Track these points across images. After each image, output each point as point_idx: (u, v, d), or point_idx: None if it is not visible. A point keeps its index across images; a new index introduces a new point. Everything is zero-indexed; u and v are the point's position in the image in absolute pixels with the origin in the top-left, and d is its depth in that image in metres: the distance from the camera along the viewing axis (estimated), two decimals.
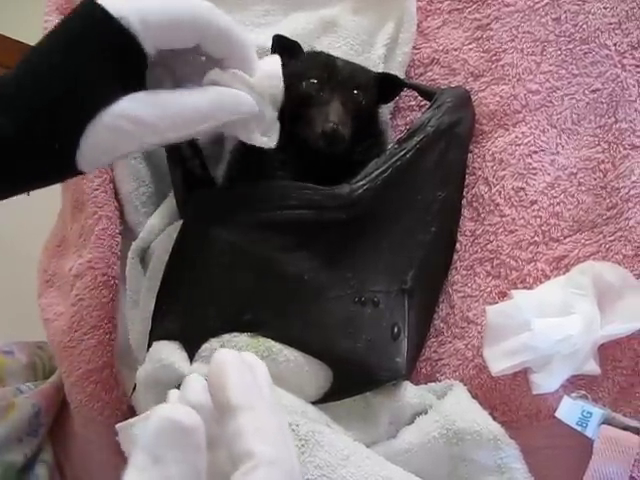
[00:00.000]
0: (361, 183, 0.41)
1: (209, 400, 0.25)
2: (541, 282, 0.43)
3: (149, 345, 0.43)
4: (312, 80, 0.43)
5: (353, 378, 0.40)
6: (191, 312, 0.42)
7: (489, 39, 0.49)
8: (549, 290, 0.41)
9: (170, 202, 0.51)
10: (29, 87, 0.32)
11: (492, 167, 0.47)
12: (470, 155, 0.48)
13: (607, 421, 0.38)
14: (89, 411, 0.53)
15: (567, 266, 0.43)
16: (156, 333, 0.44)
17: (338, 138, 0.41)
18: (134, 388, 0.46)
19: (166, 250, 0.45)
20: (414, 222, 0.44)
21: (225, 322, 0.40)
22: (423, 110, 0.49)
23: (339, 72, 0.44)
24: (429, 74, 0.50)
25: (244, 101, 0.36)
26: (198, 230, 0.43)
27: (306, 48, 0.48)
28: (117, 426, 0.42)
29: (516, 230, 0.45)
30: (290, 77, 0.39)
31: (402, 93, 0.50)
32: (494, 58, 0.48)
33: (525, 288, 0.43)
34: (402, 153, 0.43)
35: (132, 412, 0.51)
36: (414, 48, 0.51)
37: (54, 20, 0.63)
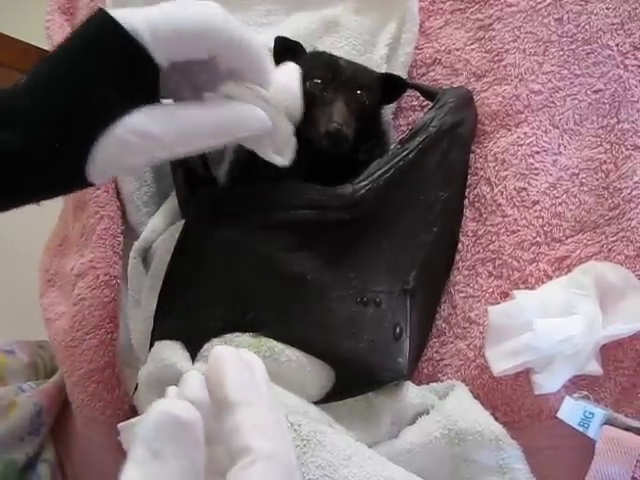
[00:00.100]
0: (364, 183, 0.41)
1: (207, 396, 0.25)
2: (543, 282, 0.43)
3: (151, 345, 0.44)
4: (316, 80, 0.43)
5: (355, 378, 0.40)
6: (193, 312, 0.42)
7: (491, 39, 0.49)
8: (551, 290, 0.41)
9: (172, 202, 0.51)
10: (39, 100, 0.32)
11: (494, 167, 0.47)
12: (472, 155, 0.48)
13: (609, 422, 0.38)
14: (91, 411, 0.53)
15: (569, 266, 0.43)
16: (158, 333, 0.44)
17: (342, 138, 0.41)
18: (136, 388, 0.46)
19: (168, 250, 0.45)
20: (416, 222, 0.44)
21: (227, 322, 0.40)
22: (425, 110, 0.49)
23: (343, 72, 0.44)
24: (431, 74, 0.51)
25: (257, 118, 0.35)
26: (200, 230, 0.43)
27: (308, 48, 0.48)
28: (119, 425, 0.42)
29: (518, 230, 0.45)
30: None
31: (404, 93, 0.50)
32: (496, 58, 0.48)
33: (527, 288, 0.43)
34: (404, 153, 0.43)
35: (134, 412, 0.51)
36: (416, 48, 0.51)
37: (56, 19, 0.63)
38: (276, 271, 0.41)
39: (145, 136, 0.32)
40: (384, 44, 0.51)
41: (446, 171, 0.45)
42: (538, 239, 0.44)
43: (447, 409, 0.40)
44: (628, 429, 0.38)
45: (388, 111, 0.50)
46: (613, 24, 0.46)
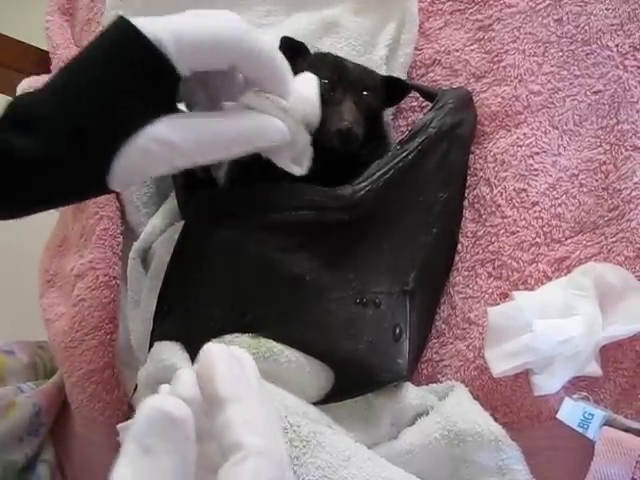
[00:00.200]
0: (363, 184, 0.41)
1: (199, 393, 0.25)
2: (542, 283, 0.43)
3: (150, 345, 0.43)
4: (323, 80, 0.43)
5: (354, 379, 0.40)
6: (193, 313, 0.42)
7: (491, 40, 0.49)
8: (550, 291, 0.41)
9: (171, 202, 0.51)
10: (61, 109, 0.32)
11: (494, 168, 0.47)
12: (472, 156, 0.48)
13: (609, 423, 0.38)
14: (90, 411, 0.53)
15: (568, 267, 0.43)
16: (157, 333, 0.44)
17: (352, 137, 0.41)
18: (135, 388, 0.46)
19: (167, 251, 0.45)
20: (416, 223, 0.44)
21: (227, 323, 0.40)
22: (425, 111, 0.49)
23: (349, 73, 0.44)
24: (431, 75, 0.50)
25: (277, 129, 0.36)
26: (199, 231, 0.43)
27: (310, 49, 0.48)
28: (118, 426, 0.42)
29: (517, 231, 0.45)
30: None
31: (406, 96, 0.50)
32: (496, 59, 0.48)
33: (526, 289, 0.43)
34: (404, 154, 0.43)
35: (133, 413, 0.51)
36: (416, 49, 0.51)
37: (55, 20, 0.63)
38: (275, 272, 0.41)
39: (167, 145, 0.33)
40: (384, 45, 0.50)
41: (446, 172, 0.45)
42: (538, 240, 0.44)
43: (447, 410, 0.40)
44: (628, 430, 0.38)
45: (388, 112, 0.50)
46: (612, 25, 0.46)
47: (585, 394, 0.40)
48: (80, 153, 0.32)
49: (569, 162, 0.45)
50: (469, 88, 0.49)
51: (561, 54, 0.47)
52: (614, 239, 0.42)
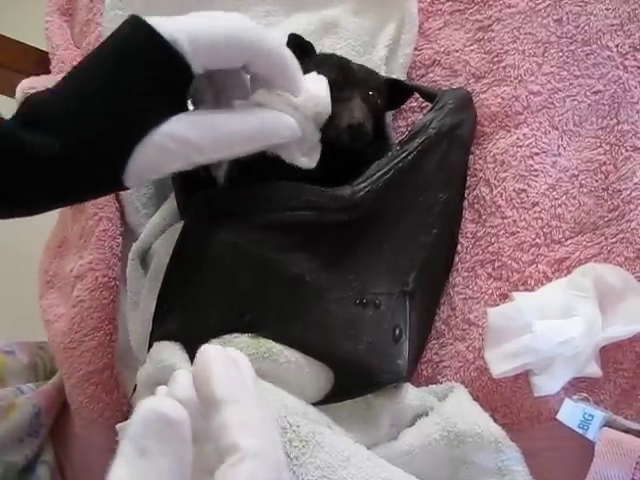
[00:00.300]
0: (363, 185, 0.41)
1: (196, 395, 0.25)
2: (542, 284, 0.43)
3: (150, 346, 0.43)
4: (331, 79, 0.43)
5: (354, 380, 0.40)
6: (192, 313, 0.42)
7: (490, 40, 0.49)
8: (550, 292, 0.41)
9: (171, 203, 0.51)
10: (76, 107, 0.32)
11: (493, 169, 0.47)
12: (471, 157, 0.48)
13: (609, 424, 0.38)
14: (89, 413, 0.53)
15: (568, 268, 0.43)
16: (157, 334, 0.44)
17: (363, 133, 0.42)
18: (134, 389, 0.46)
19: (167, 252, 0.45)
20: (415, 224, 0.43)
21: (226, 323, 0.40)
22: (424, 112, 0.49)
23: (355, 74, 0.45)
24: (430, 75, 0.50)
25: (289, 125, 0.37)
26: (199, 231, 0.43)
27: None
28: (117, 426, 0.42)
29: (517, 232, 0.45)
30: None
31: (408, 100, 0.50)
32: (495, 59, 0.48)
33: (526, 290, 0.43)
34: (404, 155, 0.43)
35: (133, 413, 0.51)
36: (415, 49, 0.51)
37: (55, 20, 0.63)
38: (275, 272, 0.40)
39: (183, 142, 0.33)
40: (383, 45, 0.50)
41: (445, 172, 0.45)
42: (537, 240, 0.44)
43: (446, 411, 0.40)
44: (628, 431, 0.38)
45: (388, 113, 0.50)
46: (612, 25, 0.46)
47: (585, 395, 0.40)
48: (96, 151, 0.32)
49: (569, 163, 0.45)
50: (469, 88, 0.48)
51: (561, 54, 0.47)
52: (614, 240, 0.42)
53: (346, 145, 0.42)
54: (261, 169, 0.43)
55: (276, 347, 0.39)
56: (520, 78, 0.47)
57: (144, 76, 0.33)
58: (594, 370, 0.39)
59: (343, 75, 0.44)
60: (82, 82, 0.33)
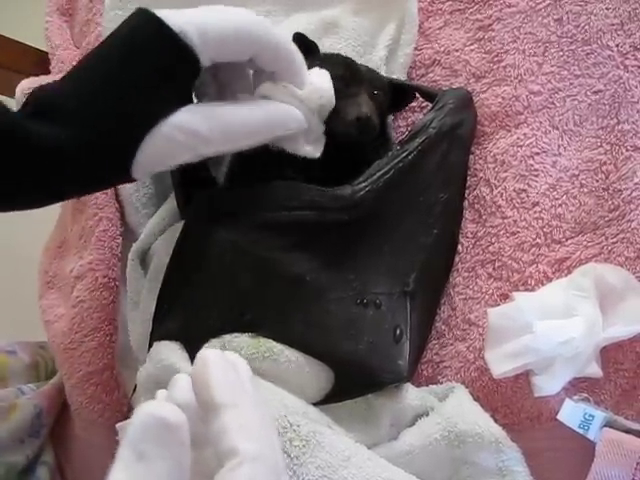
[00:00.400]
0: (363, 185, 0.41)
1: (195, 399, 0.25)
2: (543, 284, 0.43)
3: (150, 346, 0.43)
4: (338, 76, 0.43)
5: (354, 380, 0.40)
6: (192, 312, 0.42)
7: (491, 40, 0.49)
8: (551, 292, 0.41)
9: (171, 203, 0.51)
10: (88, 99, 0.32)
11: (494, 169, 0.47)
12: (472, 157, 0.48)
13: (609, 424, 0.38)
14: (89, 413, 0.53)
15: (569, 268, 0.42)
16: (157, 334, 0.44)
17: (371, 126, 0.42)
18: (134, 389, 0.46)
19: (167, 252, 0.45)
20: (416, 224, 0.43)
21: (226, 322, 0.40)
22: (425, 111, 0.49)
23: (361, 72, 0.45)
24: (430, 75, 0.50)
25: (295, 117, 0.37)
26: (199, 230, 0.43)
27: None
28: (117, 425, 0.42)
29: (518, 232, 0.45)
30: None
31: (410, 103, 0.50)
32: (496, 59, 0.48)
33: (527, 290, 0.43)
34: (404, 154, 0.43)
35: (133, 414, 0.51)
36: (415, 49, 0.51)
37: (54, 21, 0.63)
38: (275, 271, 0.40)
39: (192, 134, 0.33)
40: (383, 45, 0.50)
41: (446, 172, 0.45)
42: (538, 240, 0.44)
43: (447, 411, 0.40)
44: (628, 432, 0.38)
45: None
46: (613, 24, 0.46)
47: (585, 395, 0.40)
48: (104, 142, 0.32)
49: (569, 162, 0.45)
50: (469, 88, 0.48)
51: (561, 54, 0.47)
52: (614, 240, 0.42)
53: (353, 138, 0.42)
54: (262, 169, 0.43)
55: (276, 347, 0.39)
56: (520, 78, 0.47)
57: (153, 68, 0.33)
58: (595, 370, 0.39)
59: (350, 72, 0.44)
60: (90, 73, 0.33)
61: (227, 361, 0.26)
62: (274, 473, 0.23)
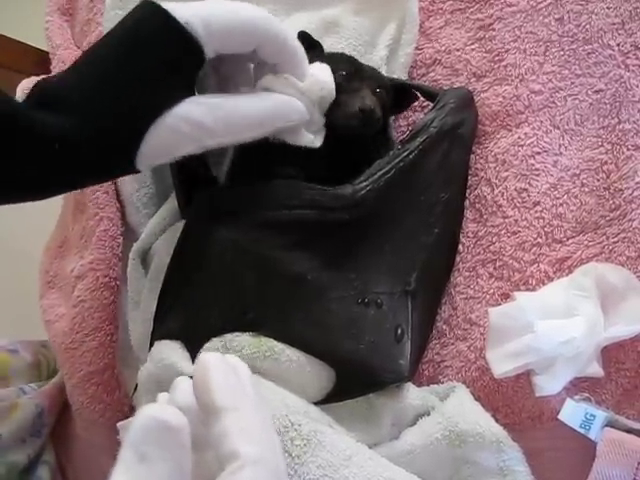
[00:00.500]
0: (364, 184, 0.41)
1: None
2: (544, 284, 0.43)
3: (151, 345, 0.43)
4: (341, 72, 0.43)
5: (356, 379, 0.40)
6: (193, 312, 0.42)
7: (492, 39, 0.49)
8: (552, 292, 0.41)
9: (171, 203, 0.51)
10: (93, 90, 0.32)
11: (495, 168, 0.46)
12: (473, 156, 0.48)
13: (610, 424, 0.38)
14: (91, 413, 0.53)
15: (570, 268, 0.42)
16: (158, 333, 0.44)
17: (374, 119, 0.42)
18: (135, 388, 0.46)
19: (167, 251, 0.45)
20: (417, 224, 0.43)
21: (227, 321, 0.40)
22: (426, 111, 0.49)
23: (364, 70, 0.45)
24: (431, 75, 0.50)
25: (297, 108, 0.38)
26: (200, 230, 0.43)
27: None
28: (118, 425, 0.42)
29: (519, 231, 0.44)
30: None
31: (412, 104, 0.50)
32: (497, 58, 0.48)
33: (528, 290, 0.43)
34: (405, 154, 0.43)
35: (134, 413, 0.51)
36: (416, 49, 0.51)
37: (55, 20, 0.63)
38: (276, 270, 0.40)
39: (197, 125, 0.34)
40: (384, 45, 0.50)
41: (447, 172, 0.45)
42: (539, 240, 0.44)
43: (448, 410, 0.40)
44: (630, 431, 0.38)
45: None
46: (614, 24, 0.46)
47: (587, 395, 0.40)
48: (108, 133, 0.32)
49: (570, 162, 0.45)
50: (470, 88, 0.48)
51: (562, 53, 0.47)
52: (616, 239, 0.42)
53: (355, 130, 0.42)
54: (263, 168, 0.43)
55: (278, 346, 0.39)
56: (521, 77, 0.47)
57: (158, 59, 0.33)
58: (596, 370, 0.39)
59: (353, 69, 0.44)
60: (95, 65, 0.33)
61: (228, 364, 0.26)
62: (275, 476, 0.23)
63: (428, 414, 0.41)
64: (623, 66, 0.45)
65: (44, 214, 0.65)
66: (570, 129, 0.45)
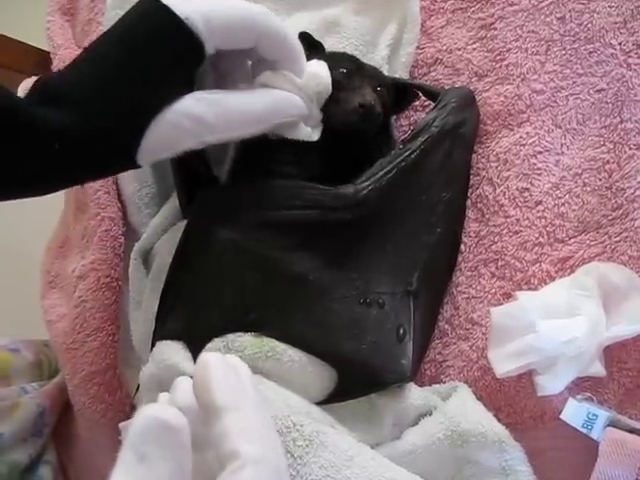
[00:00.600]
0: (366, 184, 0.41)
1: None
2: (546, 283, 0.43)
3: (153, 345, 0.43)
4: (342, 70, 0.43)
5: (358, 380, 0.40)
6: (195, 312, 0.42)
7: (493, 39, 0.49)
8: (554, 291, 0.41)
9: (173, 203, 0.51)
10: (94, 86, 0.32)
11: (496, 167, 0.46)
12: (474, 156, 0.48)
13: (613, 423, 0.38)
14: (92, 413, 0.53)
15: (572, 267, 0.42)
16: (160, 333, 0.44)
17: (374, 114, 0.42)
18: (137, 389, 0.46)
19: (169, 251, 0.45)
20: (419, 223, 0.43)
21: (229, 322, 0.40)
22: (427, 110, 0.49)
23: (365, 69, 0.45)
24: (433, 74, 0.50)
25: (296, 104, 0.38)
26: (201, 230, 0.43)
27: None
28: (120, 425, 0.42)
29: (521, 231, 0.44)
30: None
31: (413, 103, 0.50)
32: (498, 58, 0.48)
33: (530, 289, 0.43)
34: (407, 153, 0.42)
35: (135, 413, 0.51)
36: (418, 48, 0.50)
37: (56, 20, 0.63)
38: (277, 270, 0.40)
39: (197, 120, 0.34)
40: (385, 44, 0.50)
41: (448, 171, 0.45)
42: (541, 240, 0.44)
43: (450, 410, 0.40)
44: (632, 431, 0.38)
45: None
46: (616, 23, 0.45)
47: (589, 395, 0.40)
48: (109, 128, 0.32)
49: (572, 161, 0.45)
50: (471, 87, 0.48)
51: (564, 52, 0.47)
52: (618, 238, 0.42)
53: (355, 126, 0.42)
54: (264, 167, 0.43)
55: (279, 346, 0.39)
56: (523, 76, 0.47)
57: (159, 55, 0.33)
58: (598, 369, 0.39)
59: (356, 66, 0.44)
60: (96, 61, 0.33)
61: (228, 364, 0.26)
62: (276, 476, 0.23)
63: (430, 414, 0.41)
64: (625, 65, 0.45)
65: (45, 214, 0.65)
66: (572, 128, 0.45)
